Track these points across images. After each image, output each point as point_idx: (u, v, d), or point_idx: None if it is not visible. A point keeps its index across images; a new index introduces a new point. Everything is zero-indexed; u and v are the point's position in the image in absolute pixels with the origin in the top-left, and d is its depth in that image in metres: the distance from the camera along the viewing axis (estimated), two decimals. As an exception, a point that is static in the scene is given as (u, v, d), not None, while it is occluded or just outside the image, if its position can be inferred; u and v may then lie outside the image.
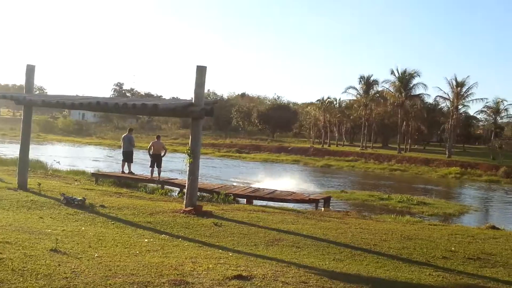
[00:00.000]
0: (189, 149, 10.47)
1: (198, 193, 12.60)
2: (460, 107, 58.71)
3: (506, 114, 66.46)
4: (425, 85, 61.29)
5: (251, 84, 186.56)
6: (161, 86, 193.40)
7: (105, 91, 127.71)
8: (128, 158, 18.31)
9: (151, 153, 18.00)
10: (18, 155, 12.65)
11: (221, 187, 16.47)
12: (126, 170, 18.28)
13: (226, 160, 46.11)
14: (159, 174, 17.80)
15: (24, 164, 12.29)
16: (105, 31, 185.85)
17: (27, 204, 9.74)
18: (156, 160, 17.87)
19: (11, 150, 32.00)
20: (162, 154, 18.29)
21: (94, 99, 11.66)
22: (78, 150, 46.23)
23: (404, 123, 61.39)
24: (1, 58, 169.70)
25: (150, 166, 17.89)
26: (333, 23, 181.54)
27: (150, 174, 17.87)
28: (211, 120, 74.57)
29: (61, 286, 4.63)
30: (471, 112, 69.17)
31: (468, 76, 57.81)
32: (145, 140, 63.40)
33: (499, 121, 67.92)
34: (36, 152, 29.66)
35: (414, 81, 61.35)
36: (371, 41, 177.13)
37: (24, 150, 12.35)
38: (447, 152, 54.81)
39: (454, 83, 57.05)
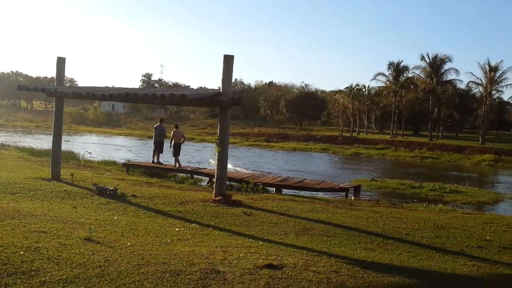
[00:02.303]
0: (217, 139, 10.49)
1: (227, 183, 12.65)
2: (493, 92, 57.03)
3: (542, 99, 64.35)
4: (457, 70, 59.82)
5: (278, 72, 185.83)
6: (189, 76, 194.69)
7: (134, 82, 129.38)
8: (159, 148, 18.54)
9: (172, 143, 18.22)
10: (51, 147, 12.92)
11: (250, 176, 16.49)
12: (156, 160, 18.49)
13: (255, 149, 46.15)
14: (176, 162, 18.16)
15: (57, 155, 12.53)
16: (134, 22, 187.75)
17: (60, 194, 9.94)
18: (176, 149, 18.21)
19: (45, 142, 32.82)
20: (181, 141, 18.67)
21: (123, 90, 11.76)
22: (109, 140, 47.00)
23: (436, 110, 60.10)
24: (32, 51, 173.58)
25: (175, 155, 18.09)
26: (361, 9, 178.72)
27: (175, 164, 18.07)
28: (239, 109, 74.63)
29: (95, 274, 4.70)
30: (505, 97, 67.49)
31: (501, 61, 56.67)
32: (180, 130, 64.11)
33: (535, 106, 65.89)
34: (68, 143, 30.32)
35: (446, 67, 59.90)
36: (400, 26, 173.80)
37: (57, 142, 12.59)
38: (480, 139, 53.48)
39: (487, 68, 55.40)
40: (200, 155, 33.56)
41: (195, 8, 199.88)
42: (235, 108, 67.79)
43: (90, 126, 67.19)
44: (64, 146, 14.70)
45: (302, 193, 14.90)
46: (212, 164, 27.83)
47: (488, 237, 8.20)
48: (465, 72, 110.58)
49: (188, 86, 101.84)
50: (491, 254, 7.10)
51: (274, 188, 15.22)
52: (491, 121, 62.56)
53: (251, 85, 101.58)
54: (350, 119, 70.12)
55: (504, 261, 6.71)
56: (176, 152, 18.16)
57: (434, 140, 54.89)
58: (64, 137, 13.38)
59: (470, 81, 59.40)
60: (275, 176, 17.42)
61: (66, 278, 4.53)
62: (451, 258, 6.68)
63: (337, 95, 73.52)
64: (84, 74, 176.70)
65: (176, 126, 19.13)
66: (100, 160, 21.67)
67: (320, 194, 14.75)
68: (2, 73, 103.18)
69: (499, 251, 7.33)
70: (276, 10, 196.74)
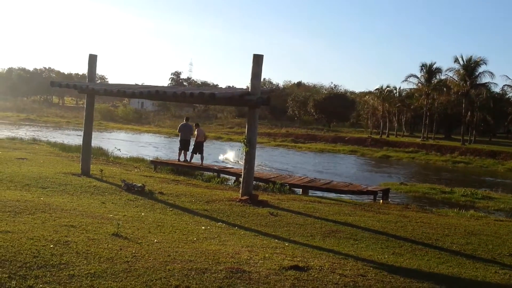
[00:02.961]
0: (245, 138, 10.48)
1: (254, 182, 12.63)
2: (529, 96, 55.49)
3: None
4: (491, 73, 58.24)
5: (307, 72, 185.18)
6: (218, 75, 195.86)
7: (163, 80, 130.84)
8: (185, 146, 18.67)
9: (196, 141, 18.54)
10: (81, 142, 13.14)
11: (277, 176, 16.43)
12: (181, 158, 18.62)
13: (282, 150, 46.03)
14: (192, 158, 18.52)
15: (87, 151, 12.75)
16: (165, 20, 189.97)
17: (90, 190, 10.10)
18: (200, 147, 18.54)
19: (75, 137, 33.49)
20: (204, 140, 19.01)
21: (153, 88, 11.89)
22: (137, 137, 47.63)
23: (469, 114, 58.74)
24: (65, 48, 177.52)
25: (197, 153, 18.46)
26: (394, 10, 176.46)
27: (201, 161, 18.35)
28: (266, 109, 74.61)
29: (123, 269, 4.75)
30: (542, 101, 65.27)
31: (538, 64, 54.40)
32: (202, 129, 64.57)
33: None
34: (98, 140, 30.84)
35: (480, 69, 58.42)
36: (433, 27, 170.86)
37: (87, 138, 12.82)
38: (514, 144, 52.09)
39: (523, 71, 53.93)
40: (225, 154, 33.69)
41: (225, 6, 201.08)
42: (263, 108, 67.69)
43: (120, 123, 68.19)
44: (94, 143, 14.95)
45: (329, 195, 14.76)
46: (224, 160, 28.10)
47: (521, 245, 7.95)
48: (500, 75, 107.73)
49: (217, 85, 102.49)
50: (524, 263, 6.87)
51: (301, 189, 15.11)
52: (526, 126, 60.85)
53: (279, 85, 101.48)
54: (379, 121, 69.18)
55: (538, 271, 6.48)
56: (200, 150, 18.38)
57: (467, 145, 53.67)
58: (94, 134, 13.59)
59: (506, 85, 58.18)
60: (302, 177, 17.32)
61: (94, 272, 4.59)
62: (482, 265, 6.50)
63: (367, 97, 72.65)
64: (115, 72, 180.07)
65: (197, 125, 19.31)
66: (128, 157, 21.96)
67: (347, 197, 14.58)
68: (35, 69, 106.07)
69: (533, 260, 7.09)
70: (307, 10, 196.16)
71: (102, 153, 21.61)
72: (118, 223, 6.69)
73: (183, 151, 18.67)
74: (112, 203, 9.03)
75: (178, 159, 18.74)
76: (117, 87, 12.74)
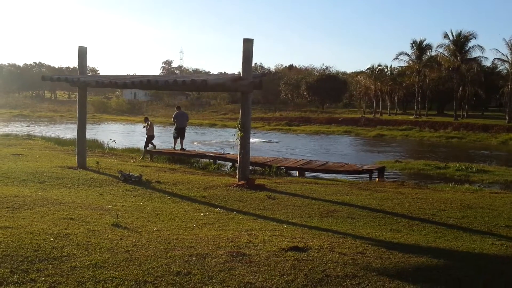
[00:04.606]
0: (239, 123, 10.50)
1: (250, 167, 12.68)
2: (520, 69, 55.51)
3: None
4: (482, 47, 58.13)
5: (298, 55, 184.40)
6: (209, 62, 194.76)
7: (154, 70, 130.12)
8: (182, 134, 18.66)
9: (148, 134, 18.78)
10: (76, 136, 13.12)
11: (273, 160, 16.48)
12: (177, 146, 18.62)
13: (276, 133, 46.09)
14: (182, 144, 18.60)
15: (82, 144, 12.74)
16: (153, 10, 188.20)
17: (87, 182, 10.13)
18: (182, 132, 18.69)
19: (69, 131, 33.37)
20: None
21: (144, 77, 11.84)
22: (132, 128, 47.50)
23: (460, 89, 58.84)
24: (54, 42, 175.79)
25: (149, 145, 18.64)
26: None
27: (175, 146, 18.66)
28: (259, 94, 74.47)
29: (124, 259, 4.79)
30: (532, 74, 65.39)
31: (529, 36, 54.34)
32: (195, 117, 64.42)
33: None
34: (92, 132, 30.75)
35: (470, 44, 58.26)
36: (421, 3, 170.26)
37: (82, 131, 12.80)
38: (507, 117, 52.29)
39: (514, 44, 53.83)
40: (220, 140, 33.74)
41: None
42: (256, 93, 67.66)
43: (113, 114, 67.97)
44: (89, 135, 14.93)
45: (326, 175, 14.85)
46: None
47: (517, 216, 8.05)
48: (490, 49, 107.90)
49: (209, 71, 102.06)
50: (520, 233, 6.97)
51: (297, 172, 15.19)
52: (518, 99, 60.96)
53: (271, 69, 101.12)
54: (372, 100, 69.19)
55: (534, 240, 6.58)
56: (150, 142, 18.64)
57: (459, 120, 53.90)
58: (88, 126, 13.58)
59: (496, 58, 57.87)
60: (298, 160, 17.38)
61: (95, 263, 4.63)
62: (478, 238, 6.59)
63: (359, 77, 72.52)
64: (106, 63, 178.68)
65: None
66: (124, 147, 21.94)
67: (343, 177, 14.68)
68: (26, 64, 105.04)
69: (529, 230, 7.19)
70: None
71: (97, 146, 21.58)
72: (117, 213, 6.73)
73: (179, 139, 18.66)
74: (110, 194, 9.06)
75: (174, 147, 18.73)
76: (109, 78, 12.67)
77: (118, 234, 5.80)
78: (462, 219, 7.81)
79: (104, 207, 7.57)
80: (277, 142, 34.78)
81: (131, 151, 20.35)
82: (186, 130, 19.23)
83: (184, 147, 18.73)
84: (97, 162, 12.38)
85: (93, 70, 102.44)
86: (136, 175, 10.78)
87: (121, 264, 4.64)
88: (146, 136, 18.89)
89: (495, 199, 9.96)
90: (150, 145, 18.64)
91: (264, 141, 34.41)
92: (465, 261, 5.38)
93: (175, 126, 18.96)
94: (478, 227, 7.28)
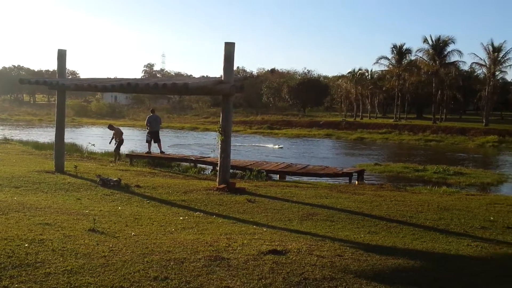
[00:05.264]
0: (220, 127, 10.49)
1: (231, 171, 12.67)
2: (497, 73, 56.50)
3: (546, 78, 63.82)
4: (460, 52, 59.21)
5: (280, 59, 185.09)
6: (191, 65, 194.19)
7: (136, 73, 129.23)
8: (157, 137, 18.50)
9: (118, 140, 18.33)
10: (54, 139, 12.95)
11: (254, 163, 16.49)
12: (152, 150, 18.43)
13: (258, 137, 46.13)
14: (119, 158, 18.28)
15: (60, 147, 12.58)
16: (135, 13, 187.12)
17: (64, 187, 9.99)
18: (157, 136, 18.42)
19: (48, 135, 32.89)
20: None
21: (125, 80, 11.74)
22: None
23: (439, 92, 59.70)
24: (33, 45, 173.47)
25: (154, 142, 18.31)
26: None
27: (116, 158, 18.30)
28: (241, 97, 74.47)
29: (100, 264, 4.74)
30: (509, 78, 67.02)
31: (505, 41, 55.88)
32: (177, 120, 64.10)
33: (539, 86, 65.30)
34: (72, 136, 30.39)
35: (449, 49, 59.27)
36: (402, 8, 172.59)
37: (60, 134, 12.63)
38: (484, 121, 53.24)
39: (491, 48, 54.86)
40: (203, 144, 33.65)
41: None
42: (238, 96, 67.71)
43: (93, 118, 67.19)
44: (68, 139, 14.75)
45: (306, 179, 14.91)
46: None
47: (492, 218, 8.19)
48: (468, 54, 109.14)
49: (190, 75, 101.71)
50: (495, 234, 7.09)
51: (278, 175, 15.23)
52: (495, 102, 62.06)
53: (253, 72, 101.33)
54: (353, 104, 69.75)
55: (508, 241, 6.71)
56: (157, 138, 18.35)
57: (438, 123, 54.67)
58: (67, 130, 13.41)
59: (474, 62, 59.00)
60: (279, 163, 17.42)
61: (71, 269, 4.56)
62: (455, 239, 6.68)
63: (340, 80, 73.12)
64: (86, 66, 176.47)
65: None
66: (103, 151, 21.70)
67: (324, 180, 14.76)
68: (4, 67, 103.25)
69: (503, 231, 7.33)
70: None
71: (76, 149, 21.32)
72: (94, 218, 6.65)
73: (156, 143, 18.48)
74: (88, 198, 8.95)
75: (148, 151, 18.49)
76: (88, 82, 12.56)
77: (95, 239, 5.73)
78: (439, 221, 7.91)
79: (81, 212, 7.47)
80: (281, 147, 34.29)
81: (110, 155, 20.11)
82: (161, 133, 19.03)
83: (163, 150, 18.59)
84: (75, 166, 12.23)
85: (73, 73, 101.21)
86: (115, 179, 10.67)
87: (97, 269, 4.58)
88: (117, 142, 18.30)
89: (471, 201, 10.11)
90: (117, 151, 18.27)
91: (278, 147, 33.99)
92: (442, 263, 5.45)
93: (148, 130, 18.75)
94: (454, 229, 7.39)
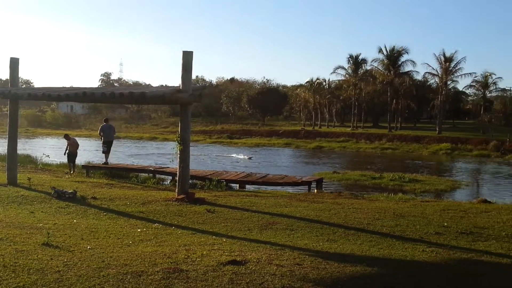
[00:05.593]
0: (179, 137, 10.40)
1: (190, 181, 12.57)
2: (449, 82, 58.76)
3: (494, 88, 66.70)
4: (413, 62, 61.21)
5: (239, 68, 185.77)
6: (150, 75, 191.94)
7: (93, 82, 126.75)
8: (110, 147, 18.18)
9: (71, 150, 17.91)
10: (6, 151, 12.51)
11: (213, 173, 16.43)
12: (109, 161, 18.09)
13: (218, 146, 46.03)
14: (74, 168, 17.93)
15: (12, 159, 12.16)
16: (91, 21, 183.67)
17: (17, 200, 9.65)
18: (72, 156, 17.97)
19: (0, 146, 31.71)
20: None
21: (80, 89, 11.50)
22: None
23: (394, 101, 61.44)
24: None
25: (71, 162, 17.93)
26: (319, 2, 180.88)
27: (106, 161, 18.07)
28: (201, 106, 74.23)
29: (54, 279, 4.59)
30: (460, 87, 69.49)
31: (456, 51, 57.87)
32: (135, 130, 63.13)
33: (488, 95, 68.11)
34: (25, 147, 29.43)
35: (403, 59, 61.22)
36: (359, 19, 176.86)
37: (12, 145, 12.22)
38: (437, 129, 55.07)
39: (443, 58, 57.00)
40: (162, 154, 33.28)
41: (154, 5, 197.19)
42: (197, 106, 67.44)
43: (48, 128, 65.41)
44: (21, 150, 14.27)
45: (266, 188, 14.97)
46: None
47: (445, 224, 8.43)
48: (421, 64, 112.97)
49: (149, 84, 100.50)
50: (448, 239, 7.30)
51: (238, 184, 15.22)
52: (447, 111, 64.42)
53: (212, 81, 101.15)
54: (311, 113, 70.83)
55: (462, 246, 6.92)
56: (72, 159, 17.90)
57: (393, 131, 56.15)
58: (20, 141, 12.98)
59: (427, 72, 60.98)
60: (238, 172, 17.43)
61: (23, 285, 4.40)
62: (410, 245, 6.84)
63: (298, 90, 74.10)
64: (41, 75, 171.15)
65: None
66: (59, 163, 21.11)
67: (283, 189, 14.85)
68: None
69: (456, 236, 7.55)
70: (236, 6, 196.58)
71: (30, 161, 20.66)
72: (48, 232, 6.44)
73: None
74: (42, 211, 8.68)
75: (106, 162, 18.11)
76: (42, 91, 12.21)
77: (49, 253, 5.55)
78: (395, 227, 8.09)
79: (35, 226, 7.23)
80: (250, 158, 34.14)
81: (66, 166, 19.58)
82: (118, 143, 18.70)
83: (109, 161, 18.21)
84: (29, 179, 11.84)
85: (27, 82, 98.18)
86: (70, 191, 10.39)
87: (51, 285, 4.43)
88: (68, 152, 17.83)
89: (426, 208, 10.39)
90: (71, 163, 17.81)
91: (248, 157, 33.85)
92: (398, 269, 5.57)
93: (103, 140, 18.35)
94: (410, 235, 7.57)
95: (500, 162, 36.18)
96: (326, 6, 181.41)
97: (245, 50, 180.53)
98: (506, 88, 70.50)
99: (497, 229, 8.11)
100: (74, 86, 20.67)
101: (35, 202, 9.51)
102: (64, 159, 18.69)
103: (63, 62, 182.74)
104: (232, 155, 35.48)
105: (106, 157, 18.12)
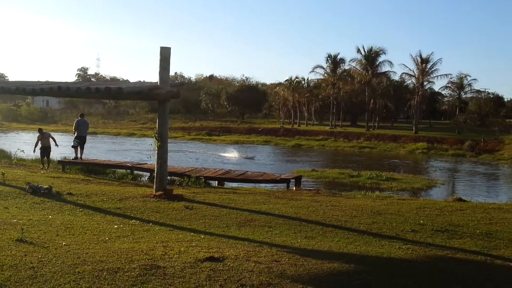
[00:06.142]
0: (156, 133, 10.31)
1: (169, 177, 12.50)
2: (425, 83, 59.69)
3: (469, 89, 67.94)
4: (391, 62, 61.99)
5: (219, 65, 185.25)
6: (128, 70, 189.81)
7: (69, 77, 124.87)
8: (82, 143, 17.93)
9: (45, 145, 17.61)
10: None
11: (192, 170, 16.33)
12: (79, 155, 17.84)
13: (197, 143, 45.83)
14: (81, 154, 17.85)
15: (-15, 153, 11.89)
16: (67, 15, 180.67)
17: (-10, 195, 9.43)
18: (46, 151, 17.71)
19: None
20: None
21: (55, 84, 11.30)
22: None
23: (372, 101, 62.08)
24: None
25: (45, 157, 17.69)
26: (299, 1, 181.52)
27: (81, 156, 17.90)
28: (180, 103, 73.75)
29: (28, 276, 4.50)
30: (436, 88, 70.86)
31: (432, 53, 58.50)
32: (112, 126, 62.40)
33: (463, 96, 69.35)
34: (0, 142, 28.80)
35: (380, 59, 61.93)
36: (338, 18, 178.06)
37: (-15, 140, 11.95)
38: (414, 128, 55.84)
39: (419, 59, 57.82)
40: (140, 150, 32.99)
41: (132, 1, 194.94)
42: (176, 102, 66.99)
43: (23, 123, 64.16)
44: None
45: (245, 185, 14.97)
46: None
47: (421, 221, 8.55)
48: (398, 64, 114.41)
49: (127, 80, 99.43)
50: (424, 237, 7.41)
51: (216, 181, 15.18)
52: (424, 111, 65.47)
53: (191, 78, 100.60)
54: (290, 111, 71.06)
55: (437, 243, 7.03)
56: (47, 154, 17.66)
57: (371, 131, 56.74)
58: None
59: (404, 73, 61.79)
60: (217, 169, 17.37)
61: (-5, 281, 4.30)
62: (387, 242, 6.92)
63: (278, 88, 74.25)
64: (16, 69, 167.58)
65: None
66: (34, 158, 20.72)
67: (262, 186, 14.87)
68: None
69: (432, 234, 7.66)
70: (213, 2, 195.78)
71: (4, 156, 20.24)
72: (22, 228, 6.32)
73: (80, 148, 17.87)
74: (16, 207, 8.51)
75: (76, 157, 17.85)
76: (16, 84, 11.97)
77: (23, 249, 5.44)
78: (372, 225, 8.17)
79: (9, 222, 7.08)
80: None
81: (41, 162, 19.25)
82: (95, 139, 18.48)
83: (84, 156, 17.99)
84: (3, 174, 11.58)
85: (1, 76, 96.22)
86: (45, 186, 10.21)
87: (25, 282, 4.35)
88: (42, 147, 17.48)
89: (402, 205, 10.53)
90: (44, 157, 17.49)
91: (246, 157, 32.90)
92: (374, 266, 5.62)
93: (75, 135, 18.10)
94: (387, 232, 7.65)
95: (475, 162, 36.90)
96: (306, 5, 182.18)
97: (224, 47, 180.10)
98: (481, 90, 71.99)
99: (472, 227, 8.27)
100: (49, 80, 20.27)
101: (9, 198, 9.32)
102: (38, 154, 18.33)
103: (39, 56, 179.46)
104: (222, 154, 34.57)
105: (76, 152, 17.83)
